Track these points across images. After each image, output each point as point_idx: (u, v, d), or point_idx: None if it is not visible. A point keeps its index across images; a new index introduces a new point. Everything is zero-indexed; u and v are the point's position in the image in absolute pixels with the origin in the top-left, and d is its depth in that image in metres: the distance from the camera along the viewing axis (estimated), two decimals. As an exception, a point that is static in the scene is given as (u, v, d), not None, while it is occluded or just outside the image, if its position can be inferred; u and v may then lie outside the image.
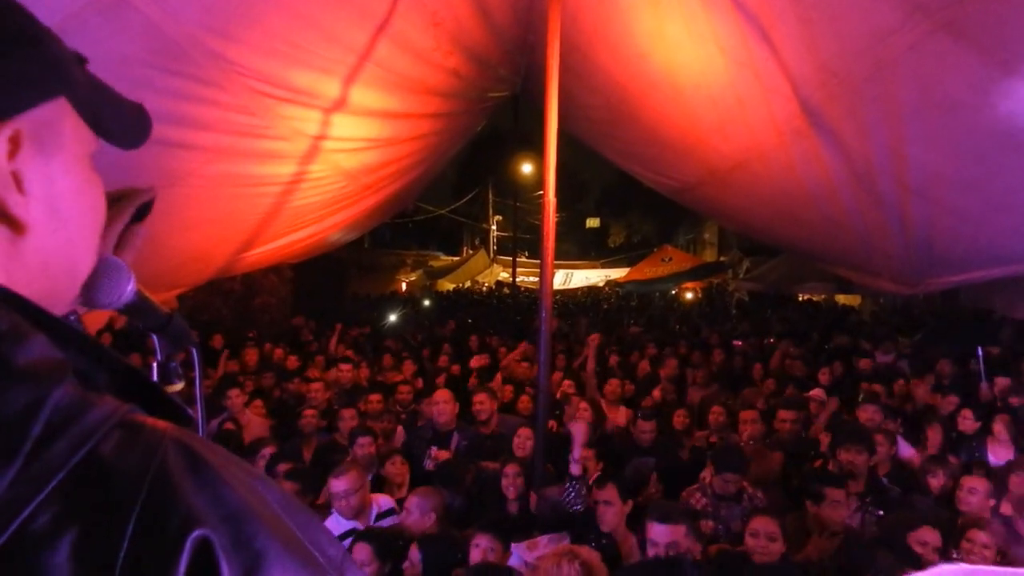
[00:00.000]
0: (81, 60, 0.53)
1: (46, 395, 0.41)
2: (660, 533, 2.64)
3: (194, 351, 1.00)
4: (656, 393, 5.93)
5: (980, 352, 6.14)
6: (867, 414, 4.67)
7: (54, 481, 0.39)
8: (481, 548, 2.81)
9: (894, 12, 3.34)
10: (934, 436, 4.39)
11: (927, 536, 2.78)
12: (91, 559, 0.39)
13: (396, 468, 3.91)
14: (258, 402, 5.53)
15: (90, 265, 0.59)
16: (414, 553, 2.93)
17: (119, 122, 0.59)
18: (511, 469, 3.63)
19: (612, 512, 3.03)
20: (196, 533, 0.42)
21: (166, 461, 0.44)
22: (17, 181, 0.47)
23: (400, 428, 5.00)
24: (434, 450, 4.29)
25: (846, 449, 3.69)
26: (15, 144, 0.47)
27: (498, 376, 6.21)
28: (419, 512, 3.20)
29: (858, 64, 3.80)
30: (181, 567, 0.41)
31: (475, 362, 6.78)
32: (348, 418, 4.71)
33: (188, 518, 0.42)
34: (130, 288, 0.75)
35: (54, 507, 0.39)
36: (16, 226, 0.48)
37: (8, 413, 0.39)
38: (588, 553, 2.30)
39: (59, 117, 0.51)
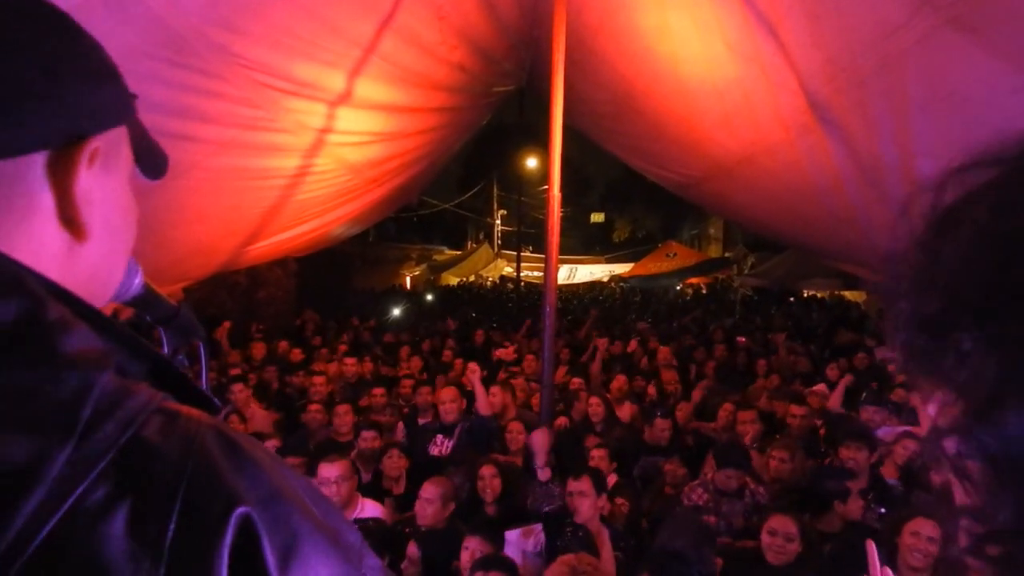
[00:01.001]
0: (134, 96, 0.60)
1: (93, 381, 0.44)
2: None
3: (200, 344, 1.01)
4: (651, 390, 5.88)
5: None
6: (867, 414, 4.66)
7: (105, 460, 0.43)
8: (471, 550, 2.78)
9: (902, 6, 3.31)
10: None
11: (919, 527, 2.76)
12: (143, 532, 0.42)
13: (393, 462, 3.90)
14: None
15: (122, 274, 0.64)
16: (412, 550, 2.93)
17: (150, 153, 0.65)
18: (487, 471, 3.51)
19: (587, 504, 3.02)
20: (239, 511, 0.46)
21: (205, 445, 0.48)
22: (90, 192, 0.53)
23: (400, 423, 5.01)
24: (440, 437, 4.31)
25: (847, 446, 3.68)
26: (93, 159, 0.53)
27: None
28: (441, 502, 3.19)
29: (865, 58, 3.78)
30: (226, 542, 0.45)
31: (500, 354, 6.79)
32: (343, 413, 4.65)
33: (231, 497, 0.46)
34: (137, 281, 0.75)
35: (107, 484, 0.43)
36: (80, 233, 0.53)
37: (61, 396, 0.42)
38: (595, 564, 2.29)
39: (120, 141, 0.58)
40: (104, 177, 0.55)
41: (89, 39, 0.54)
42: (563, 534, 2.89)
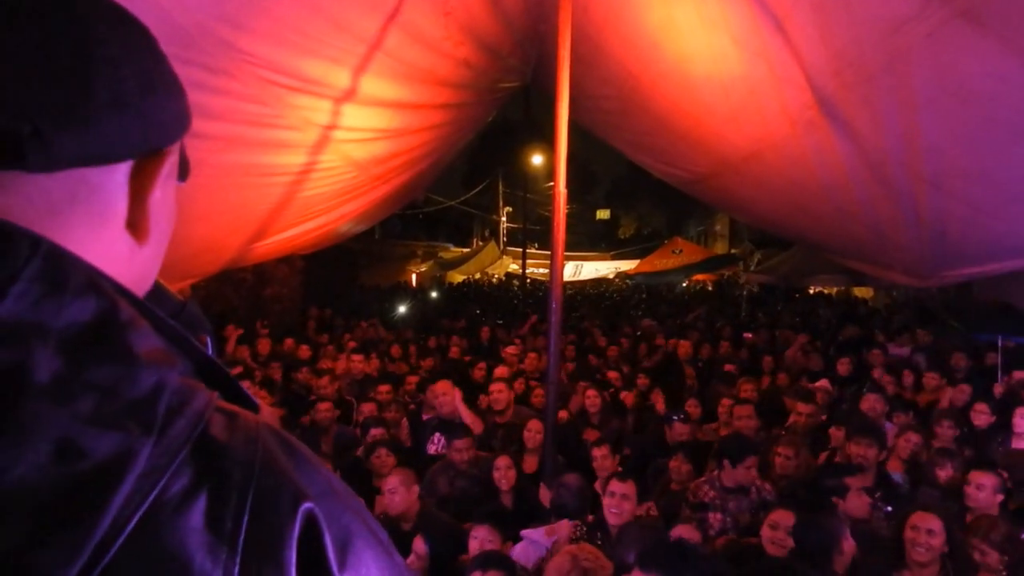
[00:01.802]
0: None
1: (166, 379, 0.46)
2: None
3: (208, 339, 1.01)
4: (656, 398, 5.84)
5: (1000, 344, 6.05)
6: (869, 403, 4.63)
7: (180, 456, 0.45)
8: (479, 539, 2.81)
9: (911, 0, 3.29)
10: (943, 430, 4.34)
11: (919, 521, 2.75)
12: (220, 524, 0.45)
13: (381, 460, 3.90)
14: (262, 393, 5.59)
15: (155, 277, 0.65)
16: (419, 545, 2.94)
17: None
18: (502, 462, 3.62)
19: (628, 509, 3.02)
20: (305, 506, 0.49)
21: (267, 444, 0.51)
22: (160, 201, 0.55)
23: (404, 419, 5.02)
24: (437, 435, 4.32)
25: (856, 442, 3.65)
26: (169, 169, 0.56)
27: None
28: (404, 488, 3.24)
29: (873, 53, 3.75)
30: (295, 534, 0.48)
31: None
32: (367, 412, 4.70)
33: (297, 493, 0.49)
34: (143, 274, 0.75)
35: (183, 479, 0.45)
36: (144, 237, 0.55)
37: (139, 394, 0.44)
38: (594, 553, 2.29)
39: (177, 151, 0.60)
40: (166, 185, 0.57)
41: (159, 50, 0.56)
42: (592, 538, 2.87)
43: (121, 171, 0.52)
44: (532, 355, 6.64)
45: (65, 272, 0.45)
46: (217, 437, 0.49)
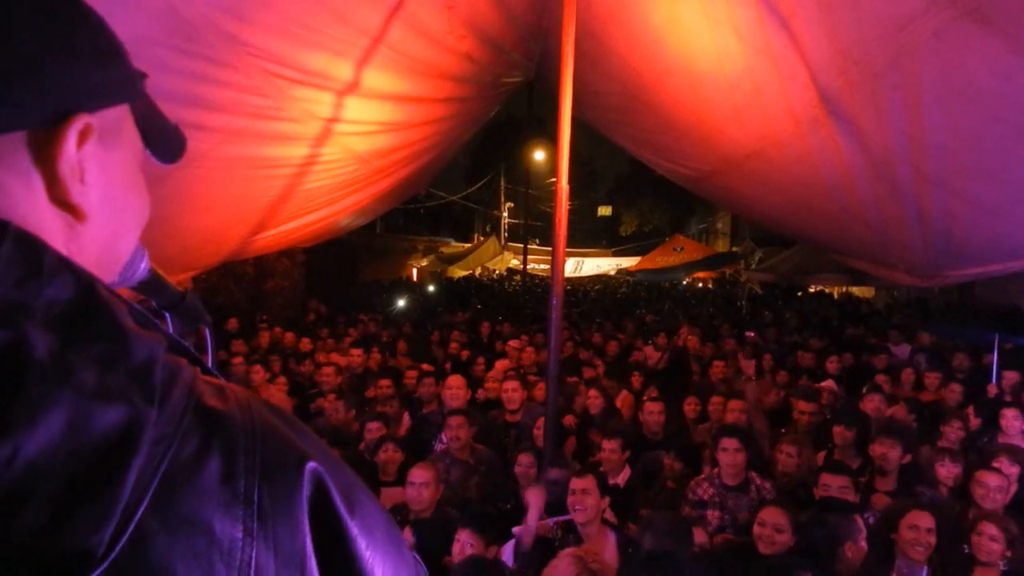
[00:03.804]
0: (143, 75, 0.60)
1: (156, 352, 0.47)
2: None
3: (207, 331, 1.00)
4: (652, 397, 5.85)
5: (996, 345, 6.04)
6: (872, 404, 4.62)
7: (184, 422, 0.47)
8: (461, 543, 2.79)
9: (918, -3, 3.27)
10: (950, 431, 4.33)
11: (917, 520, 2.74)
12: (234, 484, 0.47)
13: (388, 455, 3.91)
14: (281, 379, 5.66)
15: (129, 256, 0.63)
16: (407, 535, 2.94)
17: (162, 137, 0.65)
18: (525, 459, 3.65)
19: (590, 503, 2.95)
20: (310, 465, 0.52)
21: (262, 412, 0.54)
22: (81, 171, 0.51)
23: (406, 414, 5.03)
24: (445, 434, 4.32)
25: (880, 442, 3.59)
26: (84, 137, 0.51)
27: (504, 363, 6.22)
28: (434, 485, 3.22)
29: (879, 51, 3.72)
30: (304, 493, 0.51)
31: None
32: (375, 430, 4.65)
33: (301, 454, 0.53)
34: (143, 265, 0.75)
35: (191, 444, 0.47)
36: (77, 214, 0.52)
37: (134, 365, 0.45)
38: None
39: (121, 121, 0.57)
40: (103, 155, 0.53)
41: (88, 17, 0.53)
42: (565, 540, 2.83)
43: (21, 140, 0.48)
44: (530, 350, 6.64)
45: (37, 252, 0.44)
46: (213, 406, 0.50)
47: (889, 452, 3.54)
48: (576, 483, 3.00)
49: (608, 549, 2.91)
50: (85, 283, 0.45)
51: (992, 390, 5.54)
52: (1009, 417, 4.34)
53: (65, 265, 0.45)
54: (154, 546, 0.42)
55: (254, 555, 0.47)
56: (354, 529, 0.54)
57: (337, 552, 0.53)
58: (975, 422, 4.62)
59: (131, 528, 0.41)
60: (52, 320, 0.42)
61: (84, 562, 0.38)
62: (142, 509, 0.42)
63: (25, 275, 0.42)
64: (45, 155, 0.49)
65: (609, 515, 3.25)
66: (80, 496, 0.39)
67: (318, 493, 0.52)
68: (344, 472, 0.56)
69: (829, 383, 5.73)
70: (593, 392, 5.02)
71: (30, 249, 0.43)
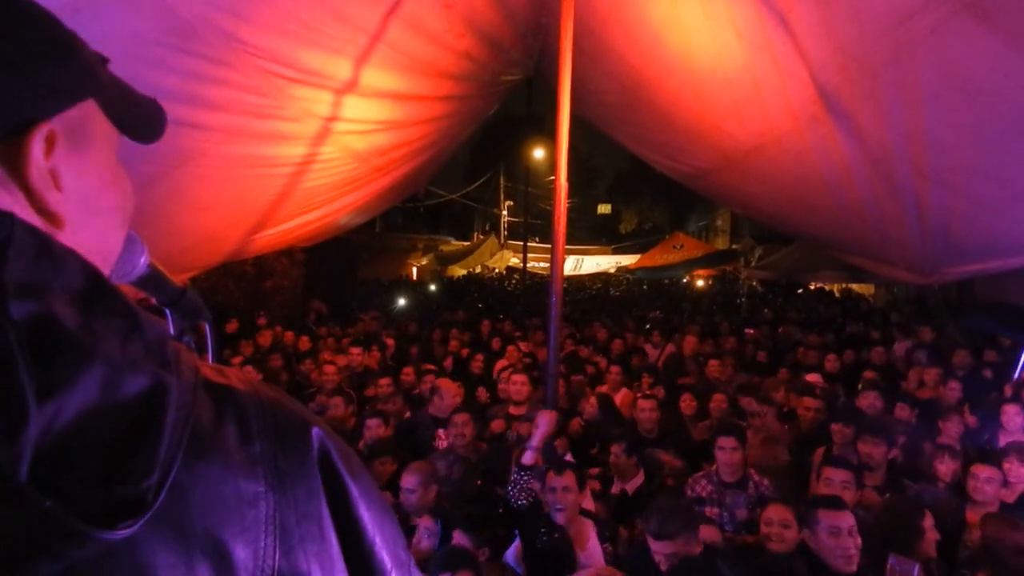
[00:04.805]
0: (104, 61, 0.57)
1: (164, 330, 0.52)
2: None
3: (207, 326, 1.01)
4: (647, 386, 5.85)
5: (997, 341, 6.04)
6: (868, 400, 4.63)
7: (198, 391, 0.51)
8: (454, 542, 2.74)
9: (916, -6, 3.26)
10: (950, 427, 4.33)
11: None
12: (251, 446, 0.52)
13: (384, 468, 3.82)
14: (283, 376, 5.65)
15: (118, 252, 0.63)
16: (428, 523, 2.92)
17: (139, 118, 0.63)
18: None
19: (570, 500, 2.87)
20: (315, 430, 0.57)
21: (263, 386, 0.58)
22: (54, 178, 0.51)
23: (408, 413, 5.03)
24: (442, 432, 4.32)
25: (864, 440, 3.61)
26: (50, 144, 0.50)
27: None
28: (423, 489, 3.17)
29: (877, 47, 3.72)
30: (314, 455, 0.56)
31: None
32: (374, 427, 4.63)
33: (305, 420, 0.57)
34: (143, 260, 0.75)
35: (207, 411, 0.51)
36: (55, 221, 0.52)
37: (150, 339, 0.49)
38: None
39: (88, 117, 0.55)
40: (73, 158, 0.52)
41: (27, 16, 0.49)
42: (539, 535, 2.77)
43: None
44: (511, 348, 6.65)
45: (45, 240, 0.46)
46: (218, 381, 0.55)
47: (874, 450, 3.57)
48: (555, 480, 2.89)
49: (590, 541, 2.85)
50: (91, 269, 0.48)
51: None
52: (1010, 413, 4.34)
53: (70, 252, 0.47)
54: (192, 497, 0.47)
55: (277, 511, 0.51)
56: (355, 491, 0.58)
57: (343, 513, 0.57)
58: (971, 420, 4.62)
59: (170, 479, 0.45)
60: (71, 297, 0.45)
61: (138, 506, 0.43)
62: (176, 464, 0.46)
63: (39, 259, 0.44)
64: (15, 168, 0.48)
65: (589, 504, 3.22)
66: (124, 450, 0.43)
67: (323, 455, 0.56)
68: (340, 439, 0.60)
69: (815, 377, 5.75)
70: (591, 394, 5.02)
71: (38, 237, 0.45)
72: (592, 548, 2.83)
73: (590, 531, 2.92)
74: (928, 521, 2.69)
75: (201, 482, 0.48)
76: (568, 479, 2.90)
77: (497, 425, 4.60)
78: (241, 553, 0.49)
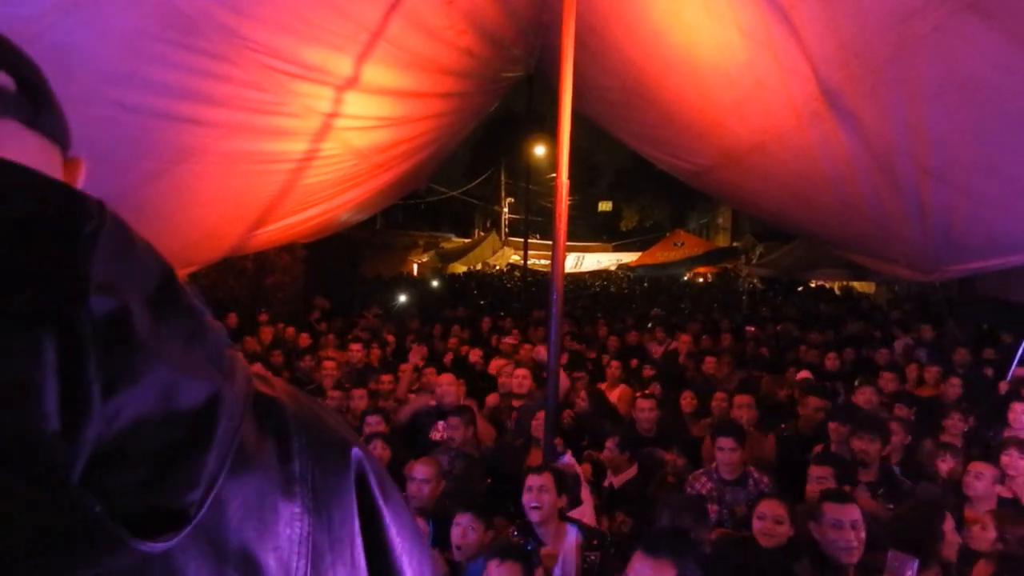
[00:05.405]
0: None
1: (224, 336, 0.51)
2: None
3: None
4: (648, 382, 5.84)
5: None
6: (865, 396, 4.62)
7: (247, 403, 0.50)
8: (462, 526, 2.71)
9: (919, -10, 3.25)
10: (953, 423, 4.33)
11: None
12: (290, 465, 0.52)
13: (377, 452, 3.90)
14: (284, 373, 5.65)
15: None
16: (420, 524, 2.94)
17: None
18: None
19: (547, 500, 2.80)
20: (354, 451, 0.58)
21: (307, 400, 0.59)
22: None
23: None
24: (441, 424, 4.33)
25: (859, 437, 3.62)
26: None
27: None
28: (436, 481, 3.20)
29: (880, 44, 3.71)
30: (352, 476, 0.56)
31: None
32: (358, 398, 4.71)
33: (345, 441, 0.58)
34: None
35: (251, 424, 0.51)
36: None
37: (212, 345, 0.48)
38: None
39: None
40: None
41: None
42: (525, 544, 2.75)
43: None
44: (526, 346, 6.64)
45: (130, 232, 0.46)
46: (266, 392, 0.55)
47: (868, 447, 3.57)
48: (533, 480, 2.82)
49: (568, 546, 2.79)
50: (168, 267, 0.48)
51: (1003, 387, 5.49)
52: (1018, 411, 4.33)
53: (151, 248, 0.47)
54: (230, 512, 0.46)
55: (312, 533, 0.51)
56: (387, 515, 0.58)
57: (375, 537, 0.57)
58: (970, 420, 4.61)
59: (215, 490, 0.44)
60: (147, 294, 0.44)
61: (180, 519, 0.42)
62: (222, 477, 0.45)
63: (124, 252, 0.44)
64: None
65: (587, 495, 3.23)
66: (174, 459, 0.42)
67: (360, 477, 0.57)
68: (376, 461, 0.60)
69: (804, 374, 5.76)
70: (582, 390, 5.02)
71: (125, 230, 0.45)
72: (571, 556, 2.74)
73: (571, 537, 2.83)
74: (949, 524, 2.67)
75: (240, 497, 0.47)
76: (546, 479, 2.82)
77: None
78: (273, 573, 0.48)
